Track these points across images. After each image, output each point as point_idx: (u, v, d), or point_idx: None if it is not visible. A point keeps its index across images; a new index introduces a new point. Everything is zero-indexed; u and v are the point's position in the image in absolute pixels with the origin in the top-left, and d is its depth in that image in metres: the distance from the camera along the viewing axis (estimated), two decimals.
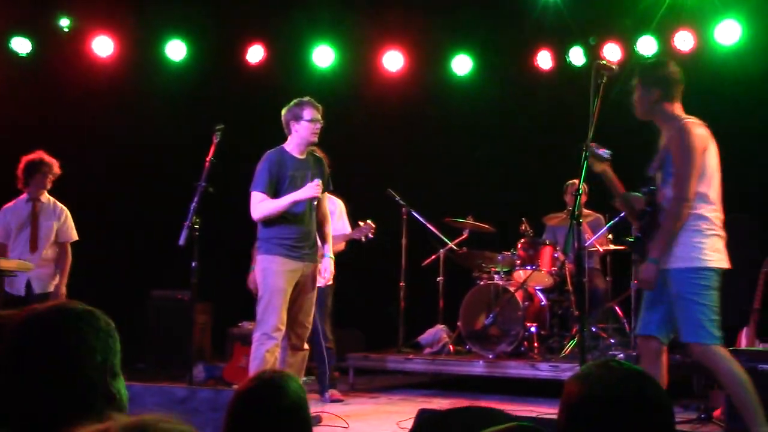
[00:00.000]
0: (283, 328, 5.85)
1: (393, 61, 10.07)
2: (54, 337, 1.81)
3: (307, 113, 5.98)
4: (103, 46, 9.67)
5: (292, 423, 2.21)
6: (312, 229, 6.10)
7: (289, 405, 2.22)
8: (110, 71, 9.70)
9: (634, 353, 7.46)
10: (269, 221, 5.93)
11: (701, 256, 4.47)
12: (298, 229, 5.97)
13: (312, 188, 5.88)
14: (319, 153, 6.29)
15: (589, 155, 4.64)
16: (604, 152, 4.71)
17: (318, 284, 6.47)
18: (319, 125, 6.02)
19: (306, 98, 6.07)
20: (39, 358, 1.77)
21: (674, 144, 4.58)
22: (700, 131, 4.59)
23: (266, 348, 5.77)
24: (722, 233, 4.59)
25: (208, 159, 6.16)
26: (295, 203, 5.89)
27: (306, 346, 6.07)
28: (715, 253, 4.51)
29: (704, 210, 4.54)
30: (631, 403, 1.82)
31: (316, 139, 6.05)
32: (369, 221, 7.24)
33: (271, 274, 5.89)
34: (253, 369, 5.71)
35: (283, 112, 6.07)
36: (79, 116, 9.43)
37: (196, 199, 6.02)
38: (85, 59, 9.68)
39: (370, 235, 7.20)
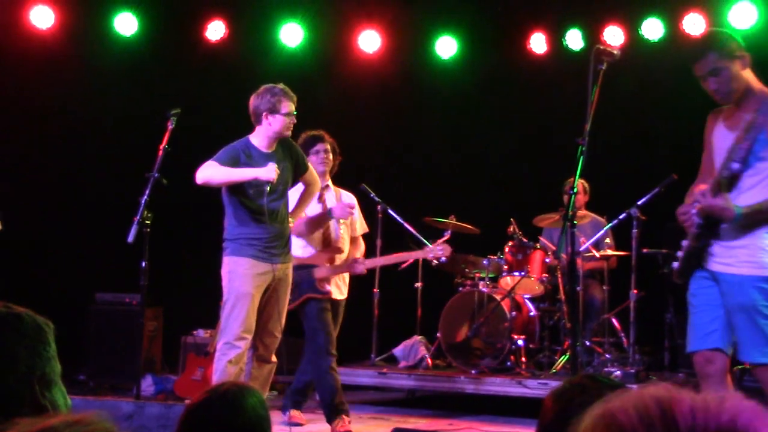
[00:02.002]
0: (250, 336, 5.87)
1: (369, 41, 10.07)
2: None
3: (285, 106, 6.00)
4: (42, 16, 9.57)
5: None
6: (285, 228, 6.16)
7: (246, 422, 2.20)
8: (50, 46, 9.58)
9: (632, 370, 7.52)
10: (238, 219, 5.95)
11: None
12: (270, 228, 6.01)
13: (271, 171, 5.89)
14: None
15: None
16: None
17: (336, 296, 6.57)
18: (294, 119, 6.08)
19: (280, 87, 6.06)
20: None
21: None
22: None
23: (228, 358, 5.79)
24: None
25: (161, 147, 6.16)
26: (257, 187, 5.93)
27: (274, 358, 6.07)
28: None
29: None
30: None
31: (289, 133, 6.12)
32: (448, 245, 7.13)
33: (237, 277, 5.91)
34: (215, 382, 5.70)
35: (253, 99, 6.07)
36: (12, 96, 9.33)
37: (147, 191, 6.00)
38: (22, 31, 9.58)
39: (444, 259, 7.16)
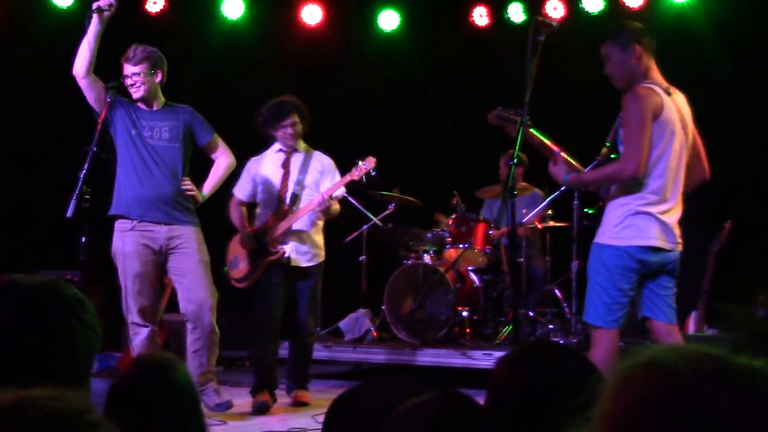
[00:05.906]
0: None
1: (311, 14, 10.02)
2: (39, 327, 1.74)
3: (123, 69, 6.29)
4: None
5: (179, 410, 2.18)
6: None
7: (180, 390, 2.19)
8: None
9: (575, 340, 7.62)
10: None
11: (607, 232, 4.45)
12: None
13: None
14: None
15: (502, 120, 4.68)
16: (513, 114, 4.70)
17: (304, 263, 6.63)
18: (127, 80, 6.24)
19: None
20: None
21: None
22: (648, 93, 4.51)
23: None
24: (646, 208, 4.42)
25: (99, 120, 6.08)
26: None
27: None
28: (626, 231, 4.40)
29: None
30: (564, 385, 1.84)
31: (138, 93, 6.21)
32: (370, 156, 6.87)
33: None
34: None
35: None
36: None
37: (86, 165, 5.93)
38: None
39: (373, 173, 6.83)
